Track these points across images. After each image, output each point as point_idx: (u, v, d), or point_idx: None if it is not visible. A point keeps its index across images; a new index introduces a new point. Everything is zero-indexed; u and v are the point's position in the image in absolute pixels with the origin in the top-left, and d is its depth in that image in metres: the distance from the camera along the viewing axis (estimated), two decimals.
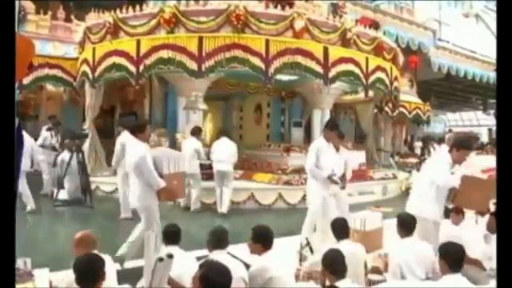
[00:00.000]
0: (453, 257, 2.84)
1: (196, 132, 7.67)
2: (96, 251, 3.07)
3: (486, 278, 3.31)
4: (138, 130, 4.30)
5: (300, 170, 9.17)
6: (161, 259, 2.65)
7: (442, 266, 2.87)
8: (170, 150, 5.90)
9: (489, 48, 19.84)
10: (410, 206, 4.18)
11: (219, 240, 3.20)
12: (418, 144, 17.89)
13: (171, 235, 3.55)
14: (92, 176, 8.57)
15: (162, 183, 4.04)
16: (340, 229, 3.71)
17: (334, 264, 2.75)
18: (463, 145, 4.00)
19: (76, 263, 2.40)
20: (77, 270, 2.37)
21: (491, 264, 3.60)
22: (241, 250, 3.55)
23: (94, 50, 8.90)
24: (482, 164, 7.89)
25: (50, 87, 12.14)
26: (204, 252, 3.51)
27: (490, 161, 7.91)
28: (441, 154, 4.14)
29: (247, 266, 3.09)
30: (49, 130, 8.78)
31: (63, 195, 7.86)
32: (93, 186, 8.30)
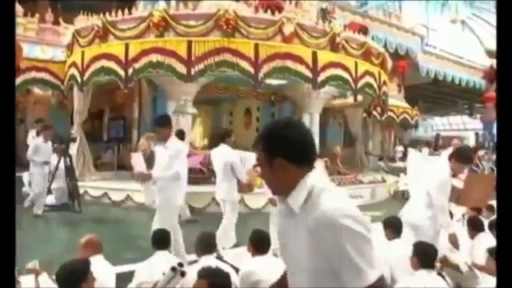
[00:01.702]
0: (425, 255, 3.04)
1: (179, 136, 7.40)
2: (101, 256, 3.08)
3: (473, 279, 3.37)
4: (226, 136, 5.55)
5: None
6: (173, 269, 2.57)
7: (415, 263, 3.05)
8: (242, 151, 5.89)
9: (475, 53, 20.19)
10: (409, 213, 4.05)
11: (207, 245, 3.20)
12: (400, 148, 18.06)
13: (161, 240, 3.53)
14: (80, 181, 8.48)
15: (246, 177, 5.12)
16: None
17: None
18: (465, 158, 3.92)
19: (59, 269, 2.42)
20: (57, 275, 2.40)
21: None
22: (227, 253, 3.55)
23: (82, 53, 8.83)
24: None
25: (37, 91, 12.00)
26: (193, 257, 3.51)
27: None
28: (441, 161, 4.00)
29: (236, 270, 3.10)
30: (38, 133, 8.61)
31: (51, 200, 7.77)
32: (81, 191, 8.22)
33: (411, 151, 3.99)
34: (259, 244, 3.17)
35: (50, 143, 7.49)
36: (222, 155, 5.50)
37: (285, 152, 1.39)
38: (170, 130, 4.57)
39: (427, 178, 3.98)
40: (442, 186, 3.76)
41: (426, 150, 17.62)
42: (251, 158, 6.80)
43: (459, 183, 3.98)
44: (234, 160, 5.38)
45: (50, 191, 7.71)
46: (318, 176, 1.42)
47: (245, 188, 5.50)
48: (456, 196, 3.99)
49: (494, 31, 18.75)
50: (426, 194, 3.85)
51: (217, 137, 6.12)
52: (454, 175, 3.93)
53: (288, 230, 1.44)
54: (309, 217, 1.34)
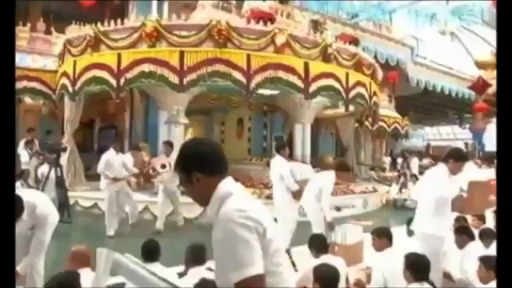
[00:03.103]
0: (417, 267, 3.00)
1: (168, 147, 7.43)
2: (89, 268, 3.02)
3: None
4: (281, 149, 6.02)
5: None
6: None
7: (408, 277, 3.01)
8: (298, 163, 7.22)
9: (464, 64, 20.50)
10: (417, 224, 4.05)
11: (198, 256, 3.18)
12: (388, 159, 18.14)
13: (151, 252, 3.49)
14: (70, 190, 8.38)
15: (296, 186, 5.70)
16: (318, 244, 3.73)
17: (328, 279, 2.78)
18: (460, 156, 4.00)
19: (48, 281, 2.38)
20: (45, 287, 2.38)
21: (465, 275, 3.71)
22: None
23: (74, 62, 8.79)
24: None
25: (28, 100, 11.92)
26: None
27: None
28: (438, 167, 4.03)
29: None
30: (27, 143, 8.54)
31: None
32: (71, 201, 8.12)
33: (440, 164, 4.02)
34: None
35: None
36: (276, 166, 6.03)
37: (197, 166, 1.59)
38: None
39: (430, 187, 4.00)
40: (444, 194, 3.80)
41: (416, 160, 17.79)
42: (306, 168, 7.30)
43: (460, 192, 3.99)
44: (285, 170, 5.87)
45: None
46: (231, 182, 1.62)
47: (296, 196, 5.92)
48: (460, 205, 4.00)
49: (481, 42, 19.09)
50: (431, 203, 3.87)
51: (274, 148, 6.65)
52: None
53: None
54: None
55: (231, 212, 1.47)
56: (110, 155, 6.87)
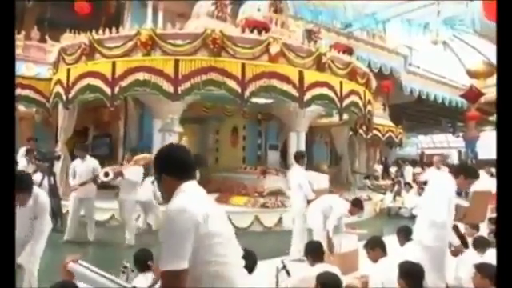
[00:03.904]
0: (411, 276, 3.00)
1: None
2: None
3: None
4: (299, 158, 6.34)
5: (276, 193, 9.20)
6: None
7: (402, 285, 3.02)
8: (313, 172, 7.41)
9: (456, 73, 20.71)
10: (420, 235, 3.96)
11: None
12: (379, 168, 18.20)
13: (143, 260, 3.46)
14: (63, 199, 8.31)
15: (313, 195, 6.01)
16: (314, 252, 3.72)
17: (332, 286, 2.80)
18: (472, 173, 3.89)
19: None
20: None
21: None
22: None
23: (68, 71, 8.78)
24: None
25: (21, 108, 11.85)
26: None
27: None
28: (447, 180, 3.89)
29: None
30: (27, 153, 8.42)
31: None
32: (64, 210, 8.04)
33: (445, 172, 3.92)
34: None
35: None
36: (294, 175, 6.32)
37: (165, 168, 1.84)
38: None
39: (433, 196, 3.91)
40: (449, 204, 3.73)
41: (410, 168, 17.86)
42: (323, 178, 7.45)
43: (463, 202, 3.98)
44: (303, 179, 6.16)
45: None
46: (191, 184, 1.81)
47: None
48: (462, 214, 3.97)
49: (473, 52, 19.31)
50: (433, 212, 3.79)
51: (293, 158, 6.73)
52: (459, 193, 3.94)
53: None
54: None
55: (170, 206, 1.71)
56: (74, 163, 7.16)
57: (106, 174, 6.65)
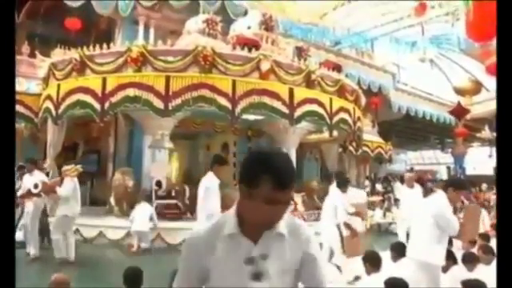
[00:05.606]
0: None
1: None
2: None
3: None
4: (342, 184, 6.23)
5: None
6: None
7: None
8: (352, 188, 7.49)
9: (443, 91, 21.06)
10: (413, 251, 3.96)
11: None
12: (366, 183, 18.26)
13: (134, 279, 3.43)
14: (51, 216, 8.18)
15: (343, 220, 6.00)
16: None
17: None
18: (460, 185, 3.93)
19: None
20: None
21: None
22: None
23: (58, 86, 8.75)
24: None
25: None
26: None
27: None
28: (438, 195, 3.94)
29: None
30: (19, 169, 8.28)
31: (19, 236, 7.42)
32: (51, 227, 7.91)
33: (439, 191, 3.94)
34: None
35: None
36: (332, 197, 6.22)
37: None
38: None
39: (430, 215, 3.87)
40: (442, 220, 3.76)
41: (399, 185, 17.94)
42: (361, 195, 8.16)
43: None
44: (341, 203, 6.06)
45: (18, 227, 7.40)
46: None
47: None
48: (459, 231, 3.97)
49: (459, 69, 19.69)
50: (431, 232, 3.78)
51: (335, 181, 6.65)
52: (454, 209, 3.97)
53: None
54: None
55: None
56: (24, 178, 6.95)
57: (36, 186, 6.58)
